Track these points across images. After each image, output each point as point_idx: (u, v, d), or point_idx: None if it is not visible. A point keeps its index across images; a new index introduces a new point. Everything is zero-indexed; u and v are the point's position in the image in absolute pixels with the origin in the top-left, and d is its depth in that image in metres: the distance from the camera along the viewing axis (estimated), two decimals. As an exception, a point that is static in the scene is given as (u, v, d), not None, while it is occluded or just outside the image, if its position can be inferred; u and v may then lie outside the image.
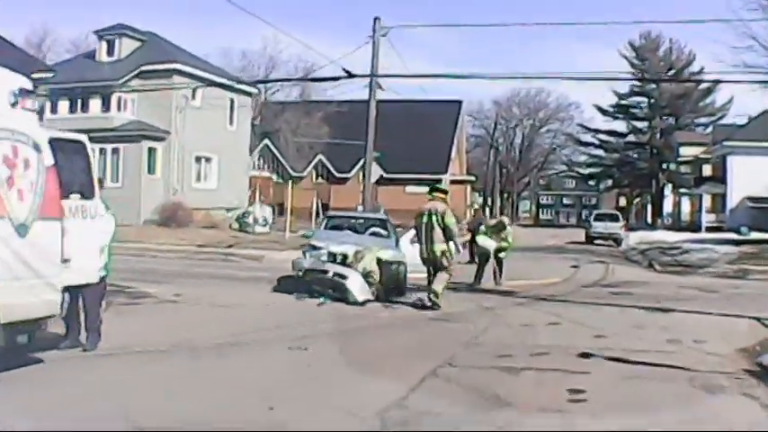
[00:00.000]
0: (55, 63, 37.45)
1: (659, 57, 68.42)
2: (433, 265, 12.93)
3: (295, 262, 14.92)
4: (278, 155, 52.04)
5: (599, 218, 43.49)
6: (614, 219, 43.15)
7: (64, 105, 33.43)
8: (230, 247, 25.56)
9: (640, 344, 9.49)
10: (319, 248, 14.83)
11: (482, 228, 18.75)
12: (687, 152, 59.12)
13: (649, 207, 72.51)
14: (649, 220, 67.37)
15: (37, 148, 7.10)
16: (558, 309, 13.12)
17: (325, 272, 13.44)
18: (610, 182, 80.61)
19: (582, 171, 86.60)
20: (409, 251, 14.63)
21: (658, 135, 69.89)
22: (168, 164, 33.47)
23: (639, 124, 72.57)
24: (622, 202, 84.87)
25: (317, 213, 32.18)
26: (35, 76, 21.13)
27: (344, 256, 13.89)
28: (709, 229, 45.42)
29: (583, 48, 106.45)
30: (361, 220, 18.16)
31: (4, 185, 6.66)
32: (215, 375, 7.57)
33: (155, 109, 32.81)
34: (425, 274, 13.29)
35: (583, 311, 12.92)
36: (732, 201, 46.58)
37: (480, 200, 70.38)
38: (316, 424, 5.98)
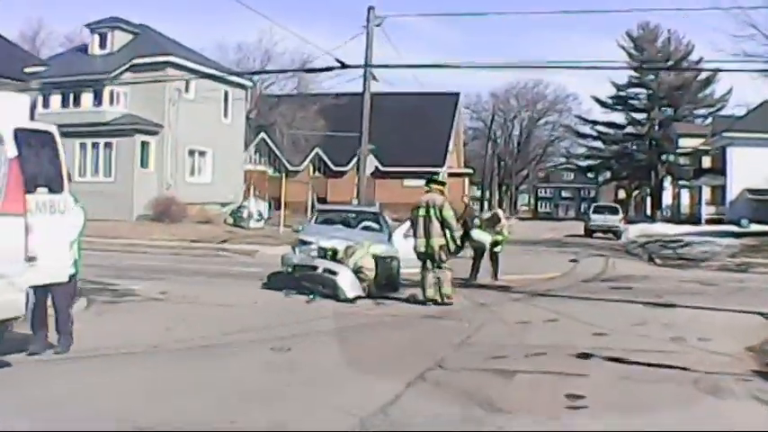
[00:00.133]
0: (48, 57, 36.94)
1: (657, 47, 68.09)
2: (431, 259, 12.50)
3: (284, 257, 14.47)
4: (274, 148, 51.62)
5: (598, 210, 42.99)
6: (613, 211, 42.68)
7: (56, 100, 33.06)
8: (223, 242, 25.15)
9: (642, 343, 9.10)
10: (309, 243, 14.50)
11: (476, 221, 18.31)
12: (686, 144, 58.79)
13: (648, 199, 72.22)
14: (649, 212, 67.05)
15: (-2, 139, 6.68)
16: (556, 305, 12.71)
17: (315, 267, 13.09)
18: (609, 174, 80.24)
19: (580, 163, 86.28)
20: (403, 245, 14.28)
21: (657, 126, 69.55)
22: (161, 158, 32.99)
23: (638, 116, 72.20)
24: (621, 194, 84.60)
25: (313, 207, 31.77)
26: (28, 70, 20.69)
27: (335, 252, 13.52)
28: (708, 222, 45.18)
29: (582, 39, 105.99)
30: (353, 214, 17.92)
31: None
32: (192, 378, 7.20)
33: (148, 102, 32.33)
34: (419, 269, 12.85)
35: (582, 307, 12.57)
36: (732, 193, 46.30)
37: (476, 193, 69.75)
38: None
